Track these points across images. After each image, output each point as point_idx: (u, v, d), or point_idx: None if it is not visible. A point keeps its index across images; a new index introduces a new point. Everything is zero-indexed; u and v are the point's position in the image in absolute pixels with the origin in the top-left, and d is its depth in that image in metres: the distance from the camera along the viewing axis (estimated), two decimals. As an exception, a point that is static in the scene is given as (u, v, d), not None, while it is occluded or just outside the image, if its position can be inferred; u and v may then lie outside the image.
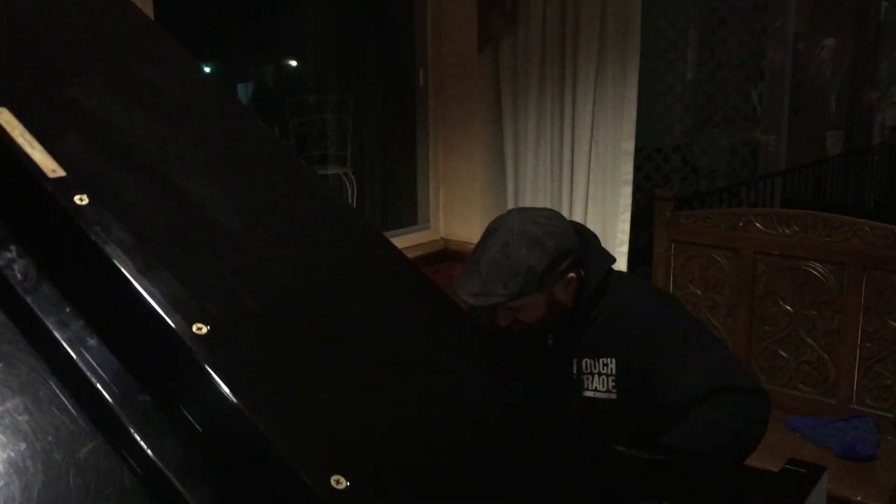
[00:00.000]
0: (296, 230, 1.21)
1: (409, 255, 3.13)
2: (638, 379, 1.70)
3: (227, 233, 1.08)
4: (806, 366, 2.86)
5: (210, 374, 0.80)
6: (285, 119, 4.75)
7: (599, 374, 1.74)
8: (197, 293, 0.89)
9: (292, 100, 4.85)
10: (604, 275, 1.76)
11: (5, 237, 0.91)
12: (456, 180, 3.78)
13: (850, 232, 2.72)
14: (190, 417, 0.83)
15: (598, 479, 1.21)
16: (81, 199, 0.90)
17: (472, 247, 1.73)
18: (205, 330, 0.84)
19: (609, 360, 1.73)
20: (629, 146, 3.25)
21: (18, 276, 0.89)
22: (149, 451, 0.80)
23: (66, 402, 0.83)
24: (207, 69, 4.70)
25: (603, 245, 1.86)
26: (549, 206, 3.43)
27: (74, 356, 0.84)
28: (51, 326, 0.85)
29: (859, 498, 2.34)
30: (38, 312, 0.86)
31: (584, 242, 1.78)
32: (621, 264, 3.20)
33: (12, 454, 0.77)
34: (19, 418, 0.79)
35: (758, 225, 2.91)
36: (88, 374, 0.83)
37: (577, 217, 3.34)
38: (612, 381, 1.73)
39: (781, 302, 2.89)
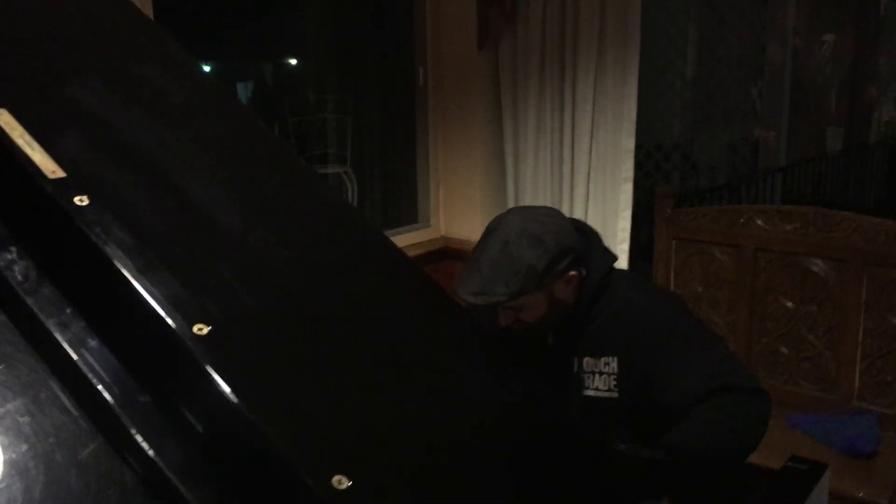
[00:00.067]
0: (296, 229, 1.21)
1: (410, 253, 3.13)
2: (639, 378, 1.70)
3: (227, 232, 1.08)
4: (807, 362, 2.86)
5: (211, 374, 0.80)
6: (285, 118, 4.75)
7: (601, 373, 1.74)
8: (197, 293, 0.89)
9: (292, 99, 4.85)
10: (605, 273, 1.76)
11: (5, 238, 0.91)
12: (456, 178, 3.78)
13: (851, 228, 2.72)
14: (191, 418, 0.83)
15: (599, 478, 1.21)
16: (81, 200, 0.90)
17: (473, 245, 1.73)
18: (205, 330, 0.84)
19: (610, 358, 1.73)
20: (629, 144, 3.25)
21: (19, 277, 0.89)
22: (150, 452, 0.80)
23: (66, 403, 0.83)
24: (207, 68, 4.70)
25: (599, 235, 1.86)
26: (549, 204, 3.43)
27: (75, 357, 0.84)
28: (51, 327, 0.85)
29: (861, 494, 2.34)
30: (39, 313, 0.86)
31: (586, 240, 1.78)
32: (622, 262, 3.20)
33: (14, 456, 0.77)
34: (20, 420, 0.79)
35: (758, 221, 2.91)
36: (89, 375, 0.83)
37: (578, 215, 3.34)
38: (614, 380, 1.72)
39: (782, 298, 2.89)
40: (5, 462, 0.76)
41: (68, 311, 0.88)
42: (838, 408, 2.76)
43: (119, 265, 0.86)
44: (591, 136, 3.31)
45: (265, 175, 1.28)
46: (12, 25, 1.18)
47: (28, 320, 0.86)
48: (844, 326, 2.75)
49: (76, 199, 0.90)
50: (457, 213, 3.80)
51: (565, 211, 3.36)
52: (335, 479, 0.77)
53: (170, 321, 0.83)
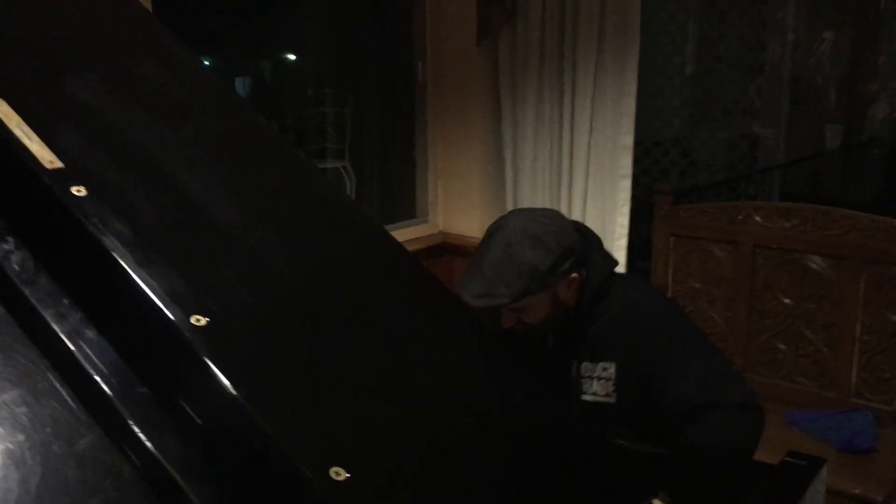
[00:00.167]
0: (296, 226, 1.20)
1: (408, 248, 3.14)
2: (637, 381, 1.69)
3: (226, 229, 1.08)
4: (805, 359, 2.86)
5: (209, 365, 0.80)
6: (284, 113, 4.75)
7: (598, 377, 1.73)
8: (196, 287, 0.89)
9: (290, 94, 4.85)
10: (606, 276, 1.75)
11: (3, 229, 0.91)
12: (455, 174, 3.78)
13: (849, 225, 2.72)
14: (189, 410, 0.83)
15: (598, 476, 1.21)
16: (79, 191, 0.90)
17: (471, 240, 1.73)
18: (203, 322, 0.84)
19: (609, 364, 1.72)
20: (628, 140, 3.24)
21: (16, 267, 0.89)
22: (147, 444, 0.80)
23: (64, 394, 0.82)
24: (206, 63, 4.69)
25: (602, 239, 1.86)
26: (547, 200, 3.43)
27: (73, 348, 0.84)
28: (49, 318, 0.85)
29: (858, 491, 2.34)
30: (36, 304, 0.86)
31: (586, 242, 1.77)
32: (620, 258, 3.20)
33: (10, 446, 0.77)
34: (17, 410, 0.79)
35: (757, 218, 2.91)
36: (87, 366, 0.83)
37: (576, 211, 3.33)
38: (612, 384, 1.72)
39: (780, 295, 2.88)
40: (2, 452, 0.76)
41: (66, 302, 0.87)
42: (836, 405, 2.76)
43: (117, 256, 0.85)
44: (590, 133, 3.30)
45: (265, 171, 1.28)
46: (13, 20, 1.17)
47: (25, 311, 0.86)
48: (842, 323, 2.76)
49: (74, 190, 0.90)
50: (455, 209, 3.79)
51: (563, 207, 3.36)
52: (333, 470, 0.77)
53: (168, 312, 0.83)
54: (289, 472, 0.77)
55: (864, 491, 2.33)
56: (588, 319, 1.74)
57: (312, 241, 1.21)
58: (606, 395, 1.73)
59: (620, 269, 1.87)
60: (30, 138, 0.93)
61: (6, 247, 0.90)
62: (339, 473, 0.77)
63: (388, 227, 3.24)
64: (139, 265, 0.86)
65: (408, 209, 3.98)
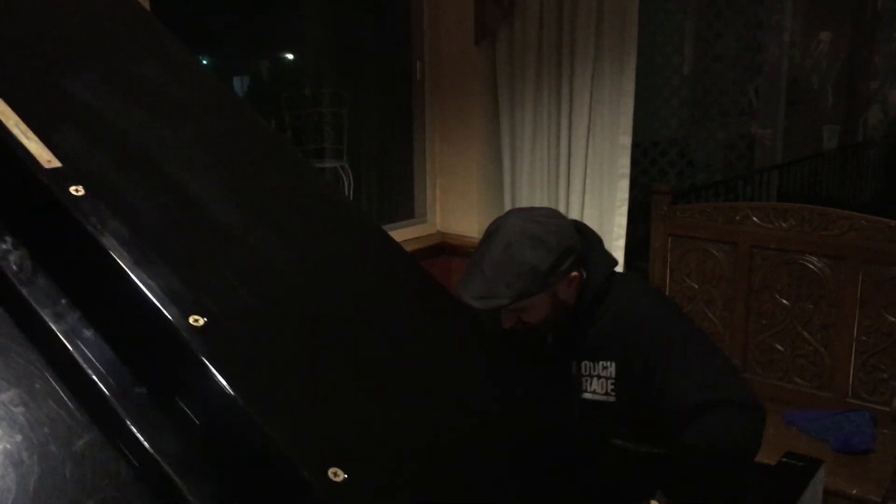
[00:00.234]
0: (295, 226, 1.20)
1: (406, 248, 3.13)
2: (637, 380, 1.69)
3: (225, 229, 1.08)
4: (802, 359, 2.87)
5: (207, 365, 0.80)
6: (281, 112, 4.75)
7: (598, 376, 1.73)
8: (194, 287, 0.89)
9: (288, 93, 4.84)
10: (606, 276, 1.75)
11: (0, 228, 0.91)
12: (453, 174, 3.78)
13: (847, 226, 2.72)
14: (187, 410, 0.83)
15: (598, 476, 1.21)
16: (77, 190, 0.90)
17: (469, 240, 1.73)
18: (202, 322, 0.83)
19: (608, 363, 1.72)
20: (626, 140, 3.25)
21: (14, 267, 0.88)
22: (145, 444, 0.79)
23: (62, 394, 0.82)
24: (204, 62, 4.69)
25: (600, 238, 1.86)
26: (545, 200, 3.43)
27: (70, 348, 0.84)
28: (46, 318, 0.85)
29: (855, 491, 2.34)
30: (34, 304, 0.86)
31: (586, 241, 1.77)
32: (618, 258, 3.20)
33: (8, 446, 0.76)
34: (15, 410, 0.79)
35: (754, 219, 2.91)
36: (84, 366, 0.83)
37: (574, 211, 3.34)
38: (612, 384, 1.72)
39: (778, 296, 2.89)
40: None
41: (63, 301, 0.87)
42: (834, 405, 2.76)
43: (115, 256, 0.85)
44: (588, 133, 3.31)
45: (265, 171, 1.27)
46: (12, 20, 1.17)
47: (23, 311, 0.86)
48: (840, 324, 2.76)
49: (72, 189, 0.89)
50: (453, 209, 3.79)
51: (562, 207, 3.36)
52: (331, 471, 0.77)
53: (166, 312, 0.83)
54: (287, 472, 0.77)
55: (862, 491, 2.34)
56: (588, 319, 1.74)
57: (312, 240, 1.21)
58: (606, 394, 1.73)
59: (618, 269, 1.87)
60: (28, 137, 0.92)
61: (4, 246, 0.89)
62: (338, 474, 0.77)
63: (386, 227, 3.25)
64: (137, 265, 0.86)
65: (406, 209, 3.97)
